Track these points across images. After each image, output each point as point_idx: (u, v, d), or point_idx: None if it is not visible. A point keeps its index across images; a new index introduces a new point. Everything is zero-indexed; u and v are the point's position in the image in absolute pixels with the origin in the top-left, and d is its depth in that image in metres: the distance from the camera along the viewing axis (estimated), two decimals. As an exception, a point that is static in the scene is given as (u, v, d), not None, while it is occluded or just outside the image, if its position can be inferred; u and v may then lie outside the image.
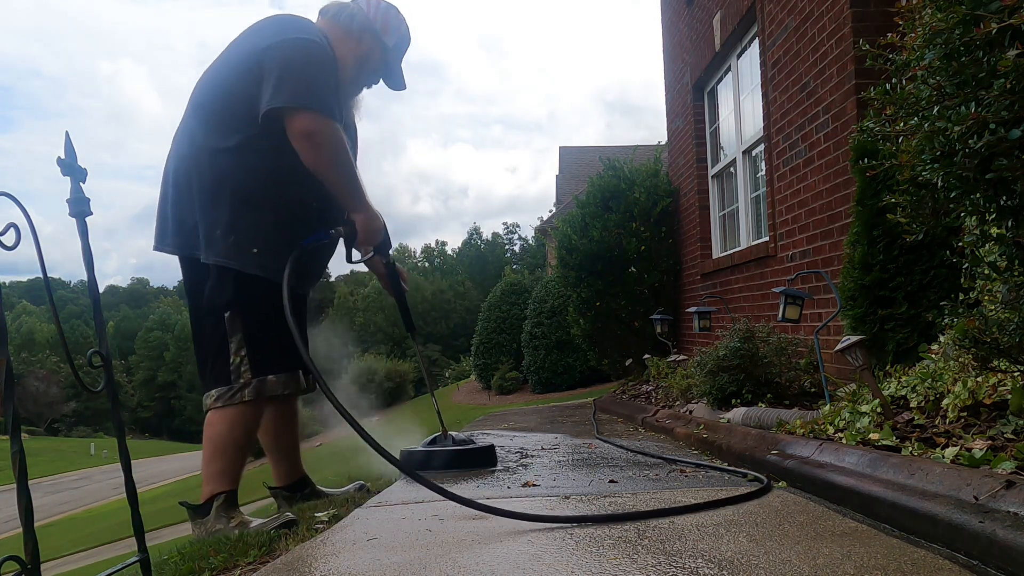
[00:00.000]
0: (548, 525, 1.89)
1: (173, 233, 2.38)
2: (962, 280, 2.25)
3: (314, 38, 2.40)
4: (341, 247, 2.64)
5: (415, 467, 2.82)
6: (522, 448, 3.79)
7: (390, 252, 2.70)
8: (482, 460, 3.06)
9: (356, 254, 2.64)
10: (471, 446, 3.08)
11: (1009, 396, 2.02)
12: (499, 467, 3.08)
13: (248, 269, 2.31)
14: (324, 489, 2.80)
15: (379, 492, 2.72)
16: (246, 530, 2.09)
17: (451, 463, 2.96)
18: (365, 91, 2.76)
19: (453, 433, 3.13)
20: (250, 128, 2.32)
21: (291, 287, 2.34)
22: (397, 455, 2.52)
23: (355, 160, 2.62)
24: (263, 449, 2.77)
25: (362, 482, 2.86)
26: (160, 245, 2.41)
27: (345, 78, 2.54)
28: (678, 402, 4.87)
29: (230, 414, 2.29)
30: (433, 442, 3.02)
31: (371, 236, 2.51)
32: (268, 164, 2.34)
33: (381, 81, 2.73)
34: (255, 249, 2.30)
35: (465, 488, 2.59)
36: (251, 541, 1.95)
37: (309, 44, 2.35)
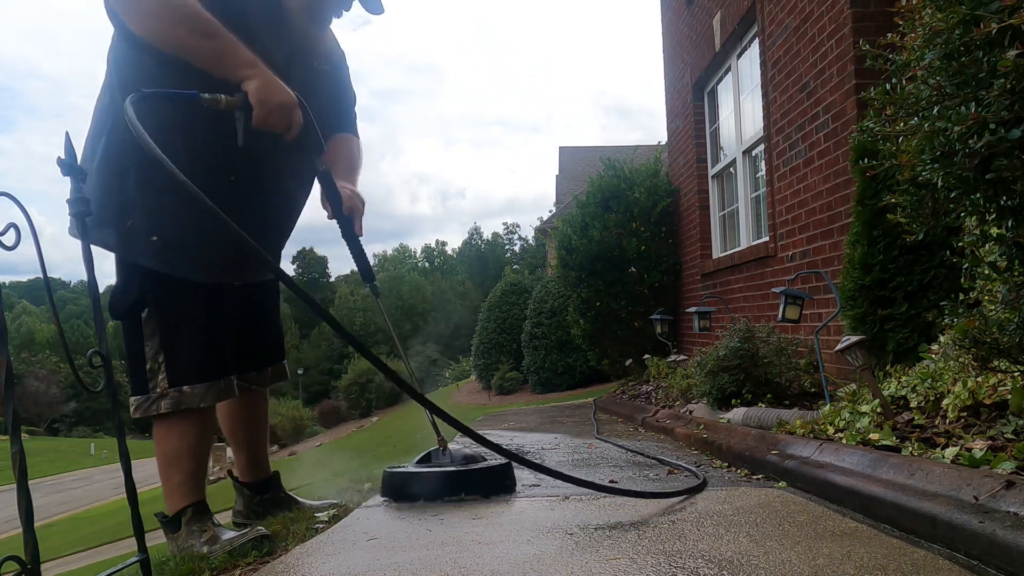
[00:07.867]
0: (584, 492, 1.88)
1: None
2: (962, 280, 2.25)
3: None
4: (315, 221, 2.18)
5: (389, 492, 2.31)
6: (522, 448, 3.79)
7: (322, 154, 2.02)
8: (492, 484, 2.29)
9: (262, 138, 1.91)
10: (478, 465, 2.33)
11: (1009, 396, 2.02)
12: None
13: (146, 263, 1.91)
14: (299, 498, 2.53)
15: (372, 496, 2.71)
16: (215, 547, 1.93)
17: (444, 489, 2.19)
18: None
19: (454, 447, 2.38)
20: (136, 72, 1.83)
21: (218, 279, 2.03)
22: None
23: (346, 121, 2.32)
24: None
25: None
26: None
27: (294, 3, 2.04)
28: (678, 402, 4.87)
29: (175, 424, 2.04)
30: (427, 459, 2.33)
31: (273, 111, 1.80)
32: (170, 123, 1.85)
33: (354, 5, 2.15)
34: (154, 237, 1.88)
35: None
36: (217, 564, 1.86)
37: None
